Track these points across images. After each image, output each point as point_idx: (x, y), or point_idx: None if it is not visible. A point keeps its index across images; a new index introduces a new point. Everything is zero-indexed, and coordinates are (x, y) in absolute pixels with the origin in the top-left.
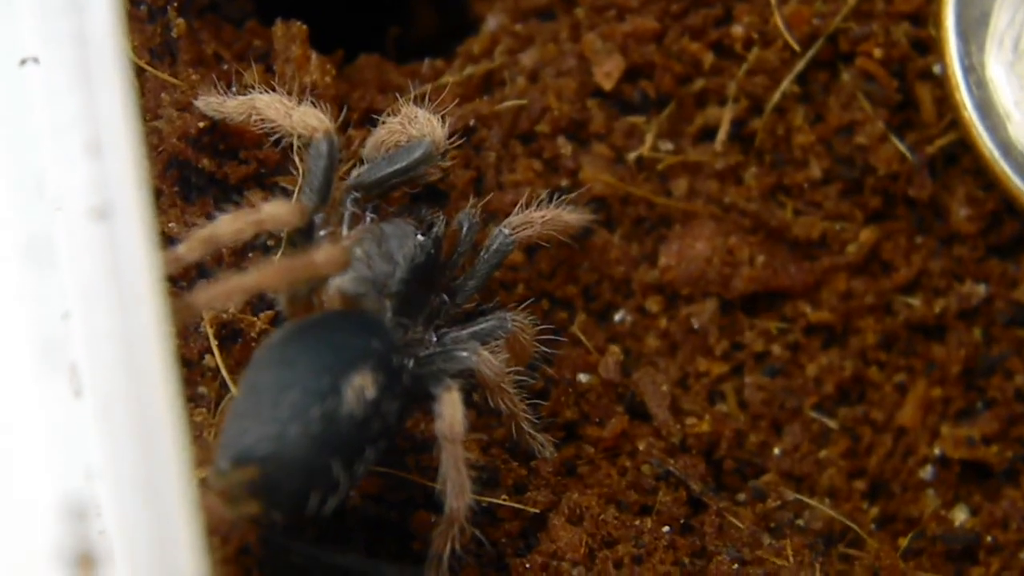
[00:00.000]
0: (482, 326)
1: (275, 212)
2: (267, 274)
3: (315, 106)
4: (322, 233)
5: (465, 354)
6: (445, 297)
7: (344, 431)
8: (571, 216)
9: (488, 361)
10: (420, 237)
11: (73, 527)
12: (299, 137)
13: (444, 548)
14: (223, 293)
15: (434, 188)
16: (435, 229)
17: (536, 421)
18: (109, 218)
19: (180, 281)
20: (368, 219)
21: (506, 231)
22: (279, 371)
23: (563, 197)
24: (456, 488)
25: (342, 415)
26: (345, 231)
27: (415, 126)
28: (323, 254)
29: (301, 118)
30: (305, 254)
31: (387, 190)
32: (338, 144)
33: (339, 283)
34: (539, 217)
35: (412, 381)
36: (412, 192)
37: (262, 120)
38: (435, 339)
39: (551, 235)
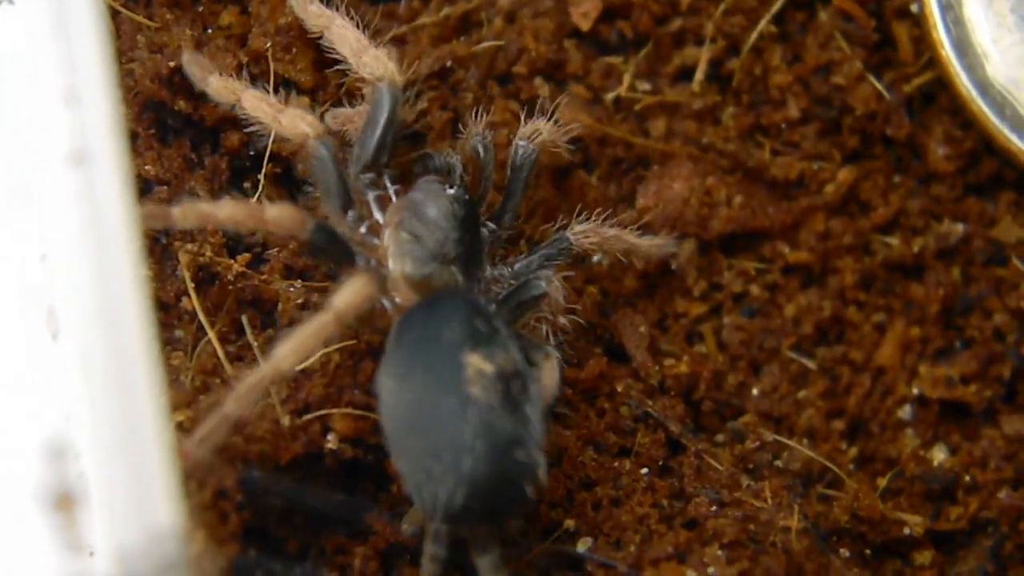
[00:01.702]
0: (546, 251)
1: (280, 218)
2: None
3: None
4: (363, 230)
5: (540, 283)
6: (491, 225)
7: (502, 422)
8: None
9: (558, 288)
10: (450, 190)
11: (52, 468)
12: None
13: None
14: (249, 394)
15: (412, 131)
16: (457, 173)
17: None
18: (86, 163)
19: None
20: (393, 194)
21: (522, 143)
22: (413, 425)
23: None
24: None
25: (490, 413)
26: (379, 216)
27: (366, 69)
28: (272, 211)
29: (291, 123)
30: (257, 206)
31: (391, 153)
32: (333, 146)
33: (403, 273)
34: (543, 124)
35: (507, 317)
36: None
37: (249, 119)
38: (507, 271)
39: (557, 142)
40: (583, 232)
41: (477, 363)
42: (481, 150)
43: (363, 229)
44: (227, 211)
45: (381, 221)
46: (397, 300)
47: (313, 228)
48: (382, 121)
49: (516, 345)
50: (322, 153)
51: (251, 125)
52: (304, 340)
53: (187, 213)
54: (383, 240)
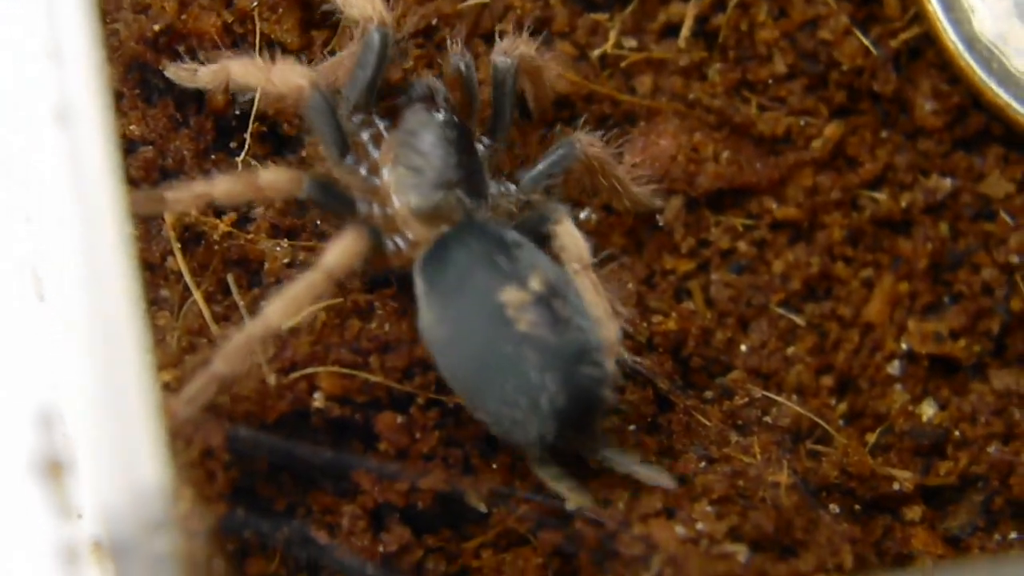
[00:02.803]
0: (552, 158)
1: (274, 181)
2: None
3: (286, 53)
4: (362, 171)
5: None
6: (486, 140)
7: (558, 344)
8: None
9: (590, 141)
10: (438, 115)
11: (41, 435)
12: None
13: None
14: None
15: (398, 89)
16: (441, 96)
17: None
18: (70, 122)
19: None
20: (384, 131)
21: (500, 57)
22: (483, 376)
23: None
24: (603, 315)
25: (546, 343)
26: (375, 155)
27: (354, 10)
28: (267, 176)
29: (282, 77)
30: (251, 175)
31: (378, 94)
32: (327, 93)
33: (410, 207)
34: (520, 40)
35: (525, 228)
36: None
37: (241, 87)
38: (514, 187)
39: (536, 58)
40: (591, 142)
41: (514, 298)
42: (463, 68)
43: (363, 171)
44: (222, 187)
45: (377, 159)
46: (410, 236)
47: (309, 185)
48: (372, 61)
49: (539, 252)
50: (318, 101)
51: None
52: (294, 297)
53: (181, 195)
54: (383, 178)
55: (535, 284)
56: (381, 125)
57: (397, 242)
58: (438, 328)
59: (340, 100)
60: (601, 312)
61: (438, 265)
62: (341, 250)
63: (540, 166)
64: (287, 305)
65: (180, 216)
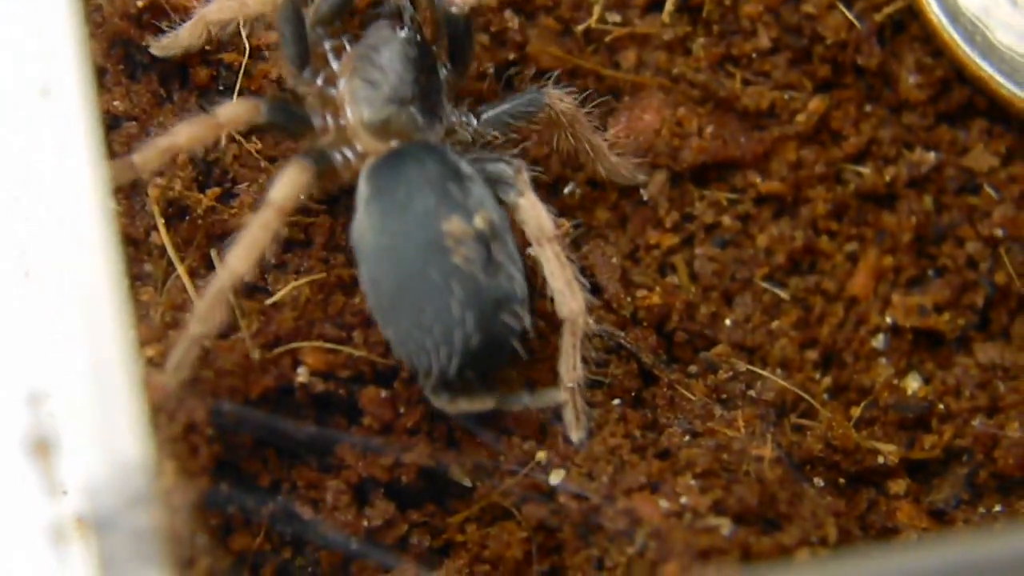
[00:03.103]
0: (517, 100)
1: (233, 114)
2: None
3: None
4: (319, 82)
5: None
6: (449, 65)
7: (484, 282)
8: None
9: (559, 96)
10: (402, 32)
11: (27, 411)
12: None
13: (575, 360)
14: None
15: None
16: (407, 15)
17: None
18: (52, 98)
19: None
20: (347, 44)
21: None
22: (400, 297)
23: None
24: (566, 288)
25: (474, 281)
26: (336, 66)
27: None
28: (225, 111)
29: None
30: (209, 116)
31: (345, 13)
32: (299, 4)
33: (361, 119)
34: None
35: (479, 164)
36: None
37: (221, 27)
38: (474, 119)
39: None
40: (559, 95)
41: (457, 229)
42: None
43: (320, 81)
44: (184, 135)
45: (337, 71)
46: (359, 148)
47: (268, 108)
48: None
49: (488, 193)
50: (289, 10)
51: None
52: (252, 239)
53: (148, 155)
54: (339, 90)
55: (479, 221)
56: (345, 39)
57: (347, 154)
58: (372, 236)
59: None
60: (563, 284)
61: (389, 175)
62: (286, 183)
63: (504, 105)
64: (246, 248)
65: (164, 191)
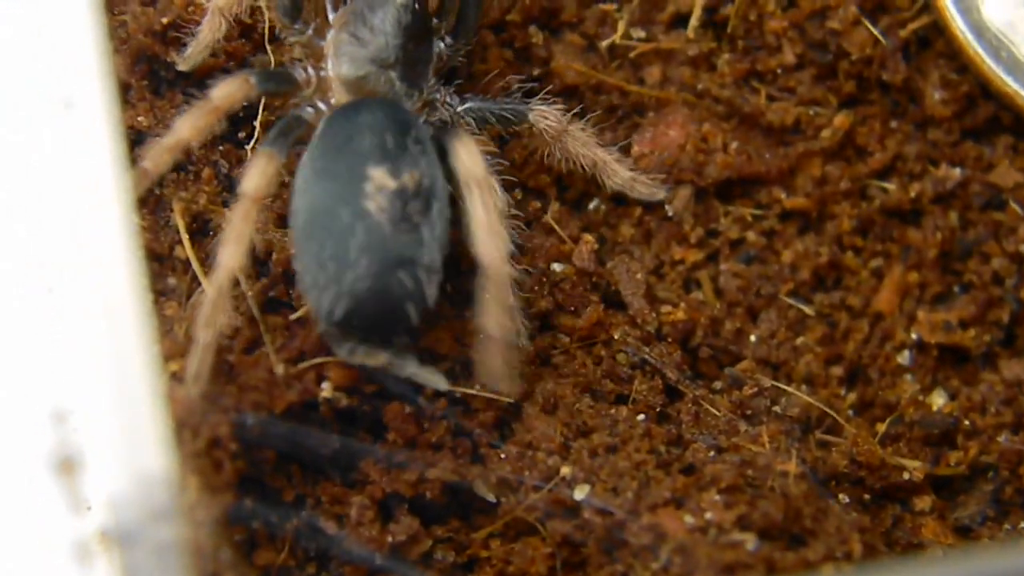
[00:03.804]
0: (504, 105)
1: (228, 94)
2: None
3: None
4: (308, 32)
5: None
6: (448, 39)
7: (391, 240)
8: None
9: (544, 113)
10: None
11: (52, 428)
12: None
13: (499, 323)
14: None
15: None
16: None
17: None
18: (77, 113)
19: None
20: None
21: None
22: (310, 231)
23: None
24: (488, 232)
25: (380, 230)
26: (331, 18)
27: None
28: (218, 92)
29: None
30: (205, 103)
31: None
32: None
33: (336, 73)
34: None
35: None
36: None
37: (238, 9)
38: (456, 99)
39: None
40: (543, 112)
41: (380, 178)
42: None
43: (309, 32)
44: (187, 127)
45: (331, 22)
46: (332, 101)
47: (258, 80)
48: None
49: (433, 163)
50: None
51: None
52: (237, 233)
53: (157, 157)
54: (326, 41)
55: (407, 179)
56: None
57: (320, 107)
58: (306, 171)
59: None
60: (486, 230)
61: (342, 119)
62: (255, 173)
63: (491, 102)
64: (235, 243)
65: (188, 205)
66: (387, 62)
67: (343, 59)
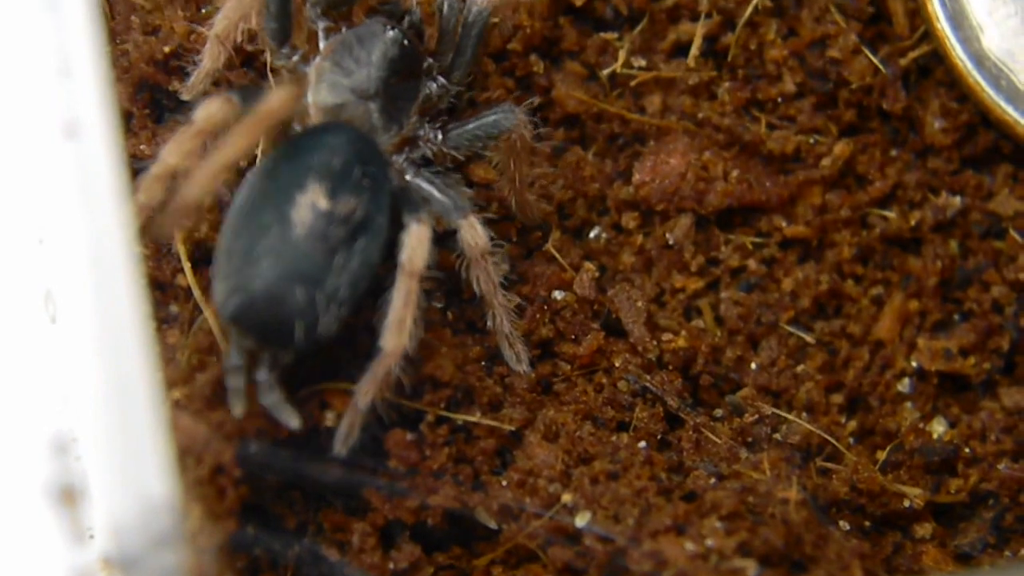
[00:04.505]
0: (485, 119)
1: (207, 115)
2: (235, 143)
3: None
4: (295, 58)
5: (445, 200)
6: (441, 80)
7: (299, 252)
8: None
9: (473, 227)
10: (390, 32)
11: (53, 458)
12: None
13: (369, 396)
14: (204, 180)
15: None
16: (407, 19)
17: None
18: (79, 141)
19: None
20: (344, 30)
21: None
22: (235, 225)
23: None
24: (397, 323)
25: (292, 239)
26: (321, 46)
27: None
28: (274, 98)
29: None
30: (258, 106)
31: (347, 3)
32: None
33: (315, 99)
34: None
35: (400, 181)
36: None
37: (235, 33)
38: (439, 136)
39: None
40: (526, 123)
41: (315, 194)
42: (445, 8)
43: (295, 58)
44: (173, 153)
45: (320, 51)
46: (309, 125)
47: (240, 99)
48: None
49: (383, 204)
50: None
51: None
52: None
53: (149, 188)
54: (310, 68)
55: (341, 205)
56: (343, 26)
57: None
58: (259, 167)
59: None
60: (396, 320)
61: (309, 133)
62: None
63: (471, 123)
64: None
65: (189, 234)
66: (367, 93)
67: (323, 85)
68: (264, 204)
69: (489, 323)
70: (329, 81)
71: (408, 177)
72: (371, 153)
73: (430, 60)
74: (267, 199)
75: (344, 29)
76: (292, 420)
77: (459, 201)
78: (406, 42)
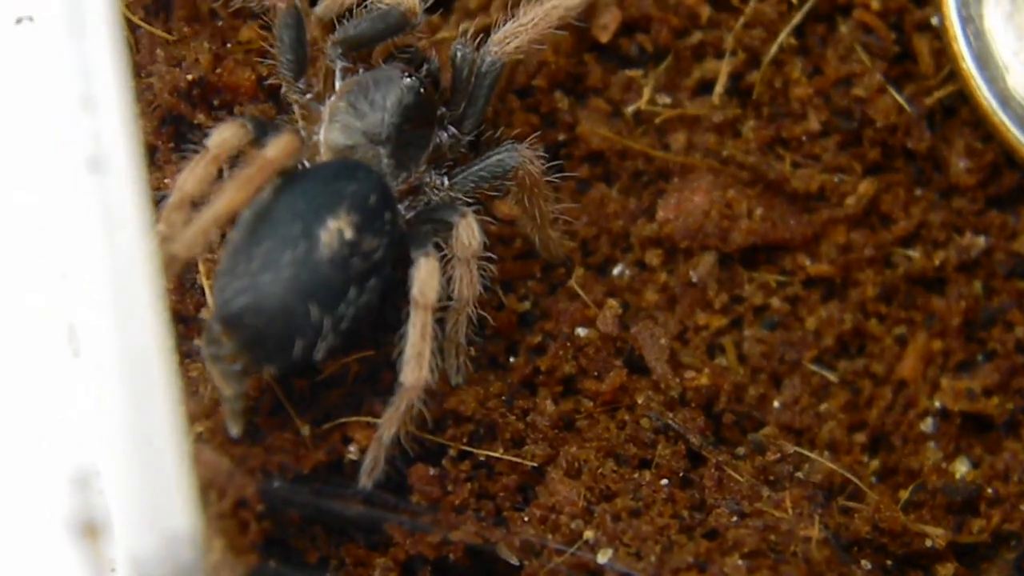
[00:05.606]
0: (489, 160)
1: (222, 140)
2: (230, 195)
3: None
4: (308, 96)
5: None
6: (452, 130)
7: (321, 273)
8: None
9: (470, 226)
10: (407, 79)
11: (75, 493)
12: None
13: (392, 430)
14: (199, 233)
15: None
16: (425, 67)
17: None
18: (103, 175)
19: None
20: (361, 71)
21: (493, 48)
22: (254, 227)
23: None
24: (416, 357)
25: (317, 258)
26: (337, 86)
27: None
28: (272, 147)
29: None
30: (255, 156)
31: (368, 46)
32: (302, 11)
33: (326, 138)
34: (528, 22)
35: (408, 227)
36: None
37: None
38: (446, 182)
39: (545, 35)
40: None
41: (345, 223)
42: (459, 57)
43: (309, 95)
44: (189, 181)
45: (336, 90)
46: (318, 160)
47: (253, 125)
48: (381, 26)
49: (390, 248)
50: (290, 18)
51: None
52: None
53: (168, 218)
54: (324, 107)
55: (365, 241)
56: (360, 67)
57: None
58: (289, 180)
59: (337, 31)
60: (415, 354)
61: (345, 162)
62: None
63: (476, 165)
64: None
65: (213, 267)
66: (379, 138)
67: (336, 126)
68: (293, 217)
69: (448, 327)
70: (342, 122)
71: (410, 216)
72: (393, 200)
73: (443, 109)
74: (296, 213)
75: (361, 70)
76: (234, 427)
77: (458, 201)
78: (422, 90)
